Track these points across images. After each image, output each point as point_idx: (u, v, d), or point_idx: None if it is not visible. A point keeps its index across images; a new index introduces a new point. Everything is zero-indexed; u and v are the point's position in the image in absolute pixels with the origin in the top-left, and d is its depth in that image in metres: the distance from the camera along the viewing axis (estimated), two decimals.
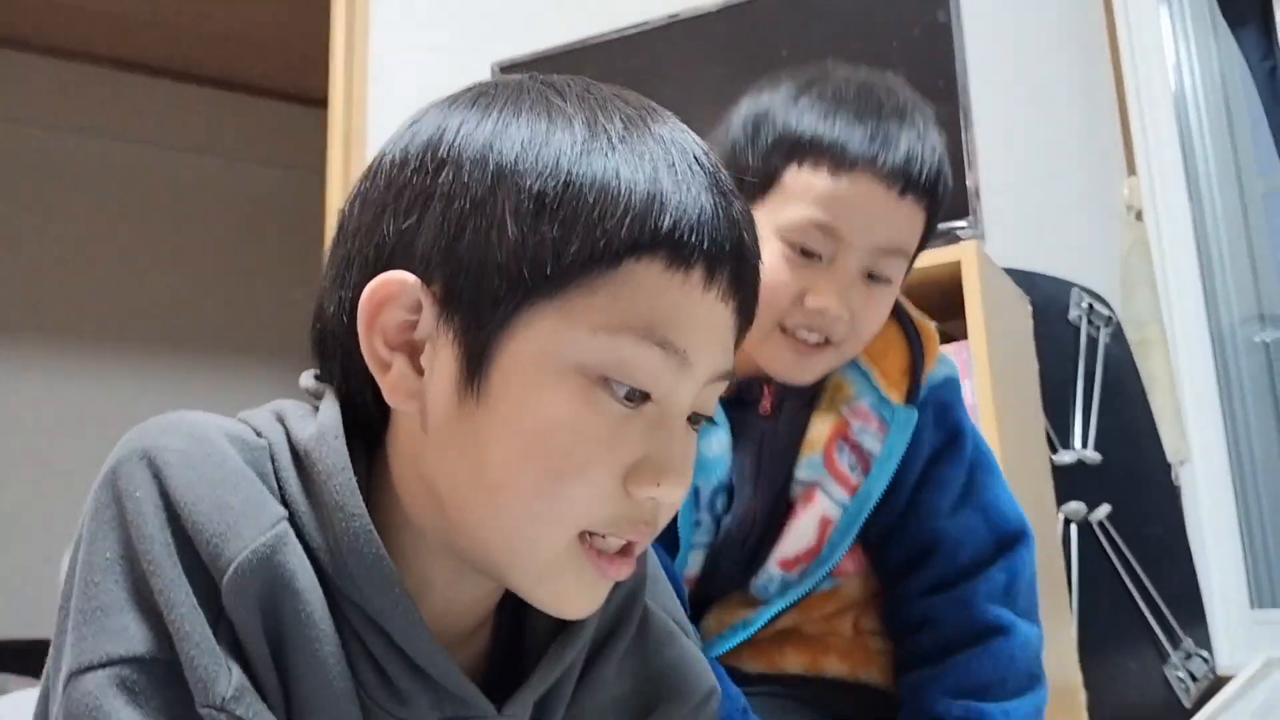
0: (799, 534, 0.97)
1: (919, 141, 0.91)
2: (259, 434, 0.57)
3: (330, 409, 0.58)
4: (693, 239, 0.54)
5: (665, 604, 0.69)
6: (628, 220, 0.53)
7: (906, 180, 0.89)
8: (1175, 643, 1.84)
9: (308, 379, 0.62)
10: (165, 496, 0.52)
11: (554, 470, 0.54)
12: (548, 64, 1.87)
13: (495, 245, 0.53)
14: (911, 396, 0.98)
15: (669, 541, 0.94)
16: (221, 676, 0.50)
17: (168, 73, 4.05)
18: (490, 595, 0.62)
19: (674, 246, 0.54)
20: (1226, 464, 2.01)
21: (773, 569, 0.98)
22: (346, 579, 0.54)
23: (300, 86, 3.93)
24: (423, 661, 0.55)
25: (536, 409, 0.54)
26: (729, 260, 0.56)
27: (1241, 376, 2.08)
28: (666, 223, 0.53)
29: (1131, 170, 2.13)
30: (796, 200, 0.90)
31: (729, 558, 0.98)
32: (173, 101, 4.05)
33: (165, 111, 4.03)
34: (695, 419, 0.59)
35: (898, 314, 1.01)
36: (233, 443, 0.55)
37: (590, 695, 0.63)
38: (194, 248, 3.98)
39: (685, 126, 0.60)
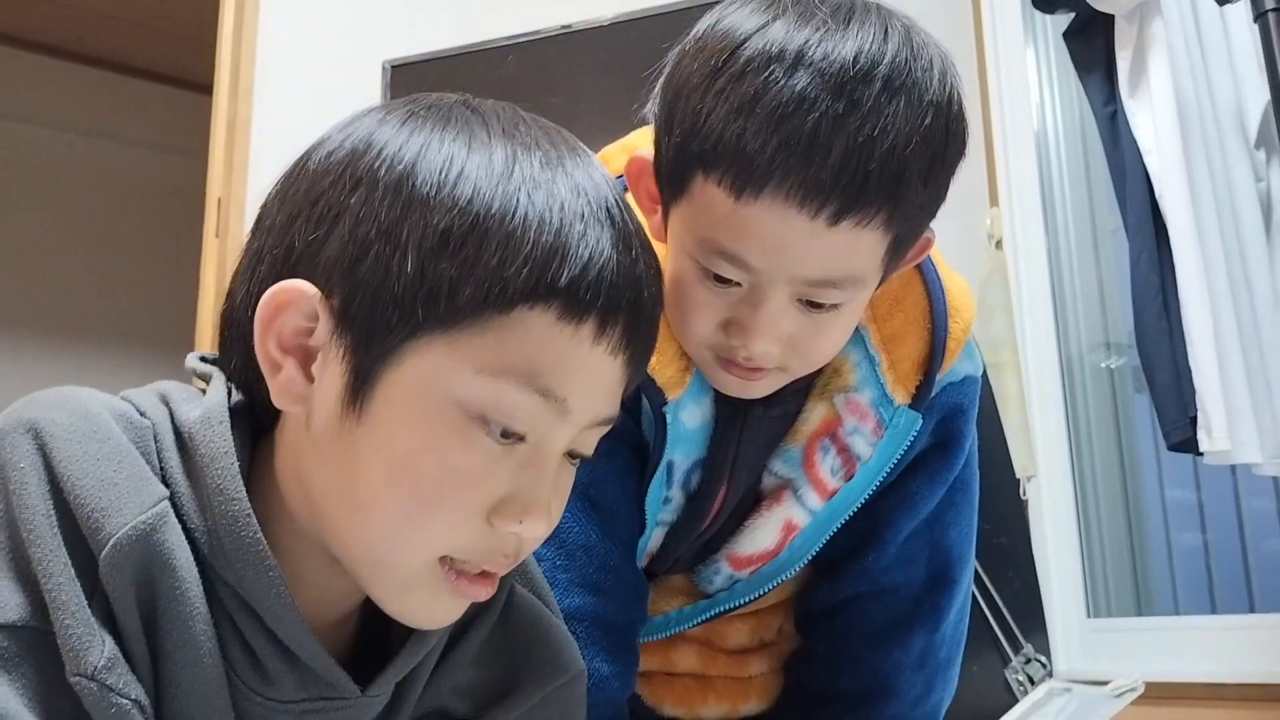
0: (758, 535, 0.88)
1: (868, 140, 0.65)
2: (143, 414, 0.58)
3: (217, 393, 0.59)
4: (588, 295, 0.55)
5: (536, 586, 0.71)
6: (526, 269, 0.54)
7: (840, 203, 0.66)
8: (1016, 648, 1.95)
9: (194, 360, 0.63)
10: (49, 469, 0.53)
11: (420, 498, 0.55)
12: (439, 66, 1.89)
13: (394, 274, 0.54)
14: (919, 399, 0.83)
15: (637, 517, 0.87)
16: (94, 647, 0.51)
17: (52, 50, 3.90)
18: (360, 588, 0.63)
19: (569, 299, 0.54)
20: (1070, 481, 2.13)
21: (722, 564, 0.90)
22: (222, 560, 0.56)
23: (187, 71, 3.83)
24: (291, 643, 0.57)
25: (410, 437, 0.55)
26: (623, 316, 0.57)
27: (1087, 399, 2.21)
28: (564, 277, 0.54)
29: (994, 202, 2.25)
30: (702, 217, 0.70)
31: (683, 540, 0.90)
32: (55, 80, 3.90)
33: (47, 89, 3.89)
34: (574, 454, 0.61)
35: (929, 289, 0.84)
36: (118, 420, 0.56)
37: (448, 676, 0.65)
38: (71, 229, 3.83)
39: (601, 168, 0.60)
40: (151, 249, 3.79)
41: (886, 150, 0.65)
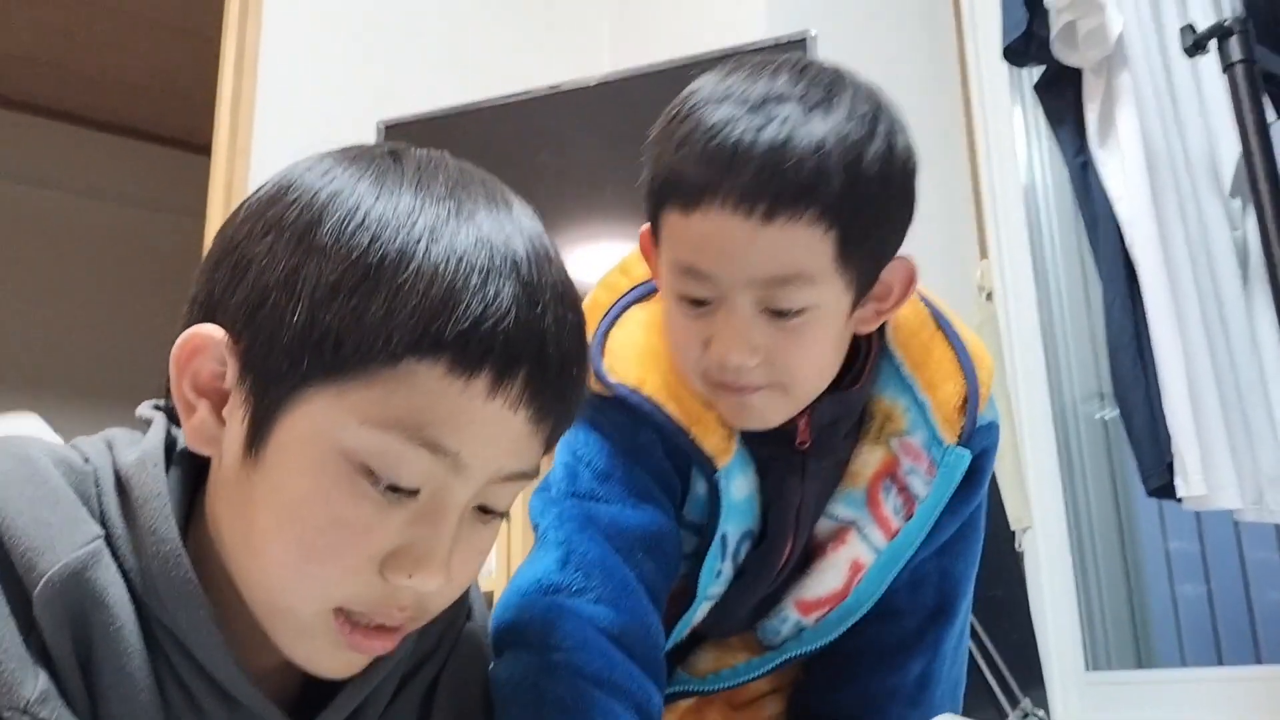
0: (826, 576, 0.90)
1: (784, 143, 0.73)
2: (86, 460, 0.59)
3: (154, 437, 0.60)
4: (479, 348, 0.54)
5: (480, 623, 0.72)
6: (412, 322, 0.53)
7: (769, 201, 0.73)
8: (1014, 702, 1.93)
9: (144, 408, 0.64)
10: None
11: (307, 548, 0.55)
12: (432, 125, 1.92)
13: (286, 323, 0.54)
14: (964, 437, 0.87)
15: (680, 591, 0.88)
16: (28, 681, 0.51)
17: (55, 114, 3.98)
18: None
19: (457, 353, 0.54)
20: (1066, 533, 2.12)
21: (789, 611, 0.92)
22: (155, 600, 0.56)
23: (188, 132, 3.91)
24: (226, 683, 0.57)
25: (299, 485, 0.55)
26: (524, 370, 0.56)
27: (1081, 450, 2.20)
28: (452, 330, 0.53)
29: (984, 254, 2.28)
30: (669, 246, 0.79)
31: (744, 602, 0.91)
32: (59, 143, 3.98)
33: (49, 151, 3.96)
34: (486, 509, 0.60)
35: (951, 341, 0.89)
36: (58, 465, 0.57)
37: (398, 716, 0.65)
38: (71, 289, 3.88)
39: (527, 222, 0.60)
40: (150, 307, 3.82)
41: (803, 150, 0.73)
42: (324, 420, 0.54)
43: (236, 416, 0.57)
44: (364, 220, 0.55)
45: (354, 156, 0.60)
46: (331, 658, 0.59)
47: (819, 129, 0.74)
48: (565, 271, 0.61)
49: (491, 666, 0.74)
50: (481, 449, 0.56)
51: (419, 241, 0.55)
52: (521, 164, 1.83)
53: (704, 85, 0.79)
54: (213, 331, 0.57)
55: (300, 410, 0.55)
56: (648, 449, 0.85)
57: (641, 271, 0.92)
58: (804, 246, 0.75)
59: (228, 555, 0.59)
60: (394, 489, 0.55)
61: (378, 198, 0.56)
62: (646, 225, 0.85)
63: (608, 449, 0.84)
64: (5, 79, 3.82)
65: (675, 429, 0.83)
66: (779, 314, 0.77)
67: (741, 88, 0.76)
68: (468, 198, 0.58)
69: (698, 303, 0.79)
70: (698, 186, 0.75)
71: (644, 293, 0.92)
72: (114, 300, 3.92)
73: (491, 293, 0.55)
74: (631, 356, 0.86)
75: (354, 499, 0.55)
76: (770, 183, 0.73)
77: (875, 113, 0.77)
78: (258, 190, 0.61)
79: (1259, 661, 1.93)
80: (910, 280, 0.84)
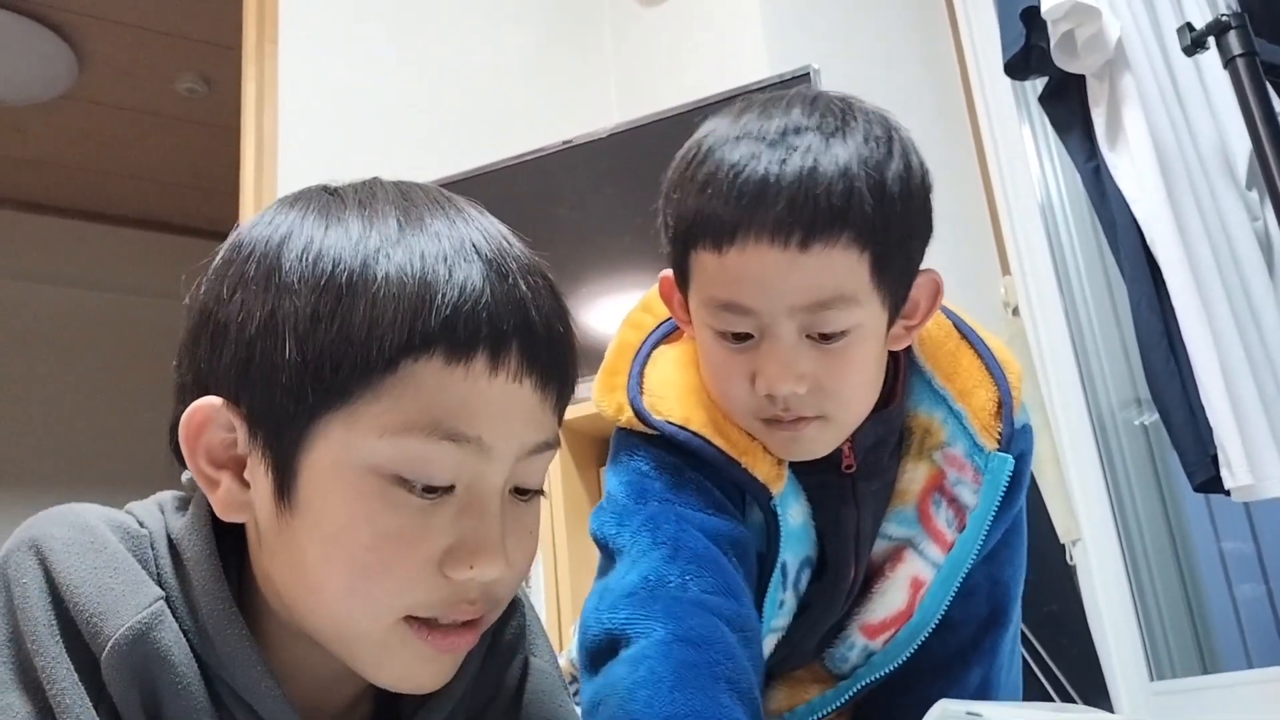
0: (889, 597, 0.91)
1: (811, 171, 0.75)
2: (141, 524, 0.61)
3: (203, 500, 0.61)
4: (467, 330, 0.55)
5: (547, 659, 0.72)
6: (397, 324, 0.54)
7: (805, 230, 0.75)
8: None
9: (188, 473, 0.65)
10: (50, 581, 0.56)
11: (358, 569, 0.56)
12: (448, 189, 1.95)
13: (280, 366, 0.55)
14: (1004, 441, 0.88)
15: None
16: None
17: (80, 214, 4.09)
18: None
19: (449, 340, 0.55)
20: (1116, 542, 2.10)
21: (855, 637, 0.93)
22: (214, 657, 0.58)
23: (212, 221, 3.99)
24: None
25: (338, 514, 0.56)
26: (514, 341, 0.57)
27: (1125, 458, 2.18)
28: (436, 320, 0.55)
29: (1006, 270, 2.28)
30: (704, 286, 0.80)
31: (812, 633, 0.92)
32: (88, 241, 4.08)
33: (80, 252, 4.06)
34: (521, 489, 0.61)
35: (977, 349, 0.91)
36: (115, 531, 0.59)
37: None
38: (92, 384, 3.95)
39: (474, 213, 0.61)
40: (167, 397, 3.88)
41: (831, 176, 0.75)
42: (344, 445, 0.55)
43: (259, 473, 0.58)
44: (321, 250, 0.57)
45: (293, 201, 0.62)
46: (421, 669, 0.59)
47: (842, 154, 0.76)
48: (524, 247, 0.62)
49: (608, 667, 0.73)
50: (500, 428, 0.57)
51: (378, 252, 0.56)
52: (539, 220, 1.86)
53: (716, 127, 0.81)
54: (211, 400, 0.58)
55: (319, 445, 0.56)
56: (705, 476, 0.85)
57: (664, 308, 0.93)
58: (842, 269, 0.77)
59: (289, 606, 0.60)
60: (430, 490, 0.56)
61: (327, 229, 0.58)
62: (667, 271, 0.86)
63: (671, 467, 0.85)
64: (30, 185, 3.93)
65: (727, 461, 0.84)
66: (823, 338, 0.78)
67: (757, 125, 0.78)
68: (412, 207, 0.60)
69: (739, 338, 0.80)
70: (730, 224, 0.76)
71: (668, 330, 0.94)
72: (130, 390, 3.95)
73: (461, 277, 0.56)
74: (672, 395, 0.87)
75: (394, 510, 0.56)
76: (803, 211, 0.75)
77: (889, 134, 0.80)
78: (209, 259, 0.62)
79: None
80: (936, 293, 0.86)
